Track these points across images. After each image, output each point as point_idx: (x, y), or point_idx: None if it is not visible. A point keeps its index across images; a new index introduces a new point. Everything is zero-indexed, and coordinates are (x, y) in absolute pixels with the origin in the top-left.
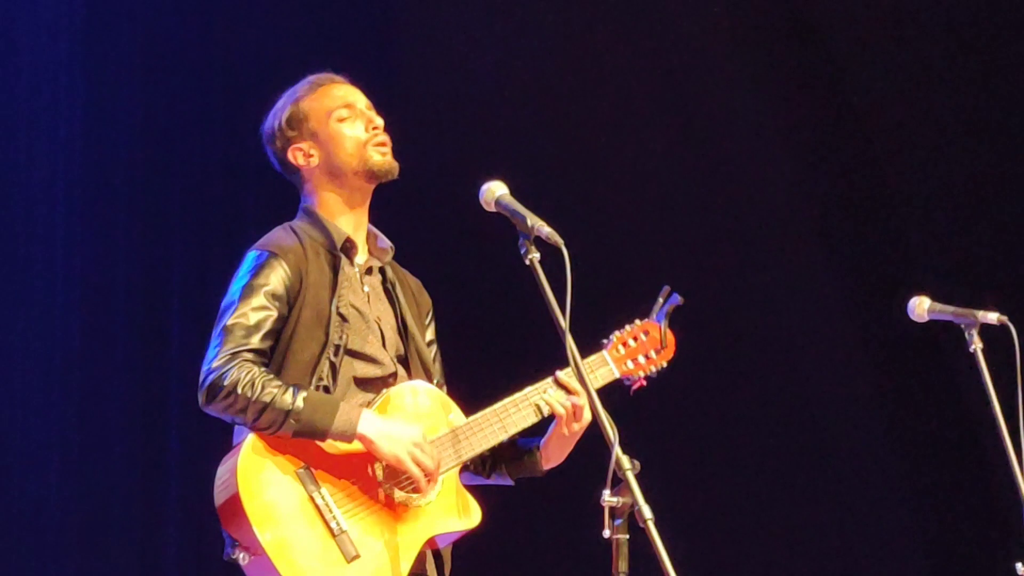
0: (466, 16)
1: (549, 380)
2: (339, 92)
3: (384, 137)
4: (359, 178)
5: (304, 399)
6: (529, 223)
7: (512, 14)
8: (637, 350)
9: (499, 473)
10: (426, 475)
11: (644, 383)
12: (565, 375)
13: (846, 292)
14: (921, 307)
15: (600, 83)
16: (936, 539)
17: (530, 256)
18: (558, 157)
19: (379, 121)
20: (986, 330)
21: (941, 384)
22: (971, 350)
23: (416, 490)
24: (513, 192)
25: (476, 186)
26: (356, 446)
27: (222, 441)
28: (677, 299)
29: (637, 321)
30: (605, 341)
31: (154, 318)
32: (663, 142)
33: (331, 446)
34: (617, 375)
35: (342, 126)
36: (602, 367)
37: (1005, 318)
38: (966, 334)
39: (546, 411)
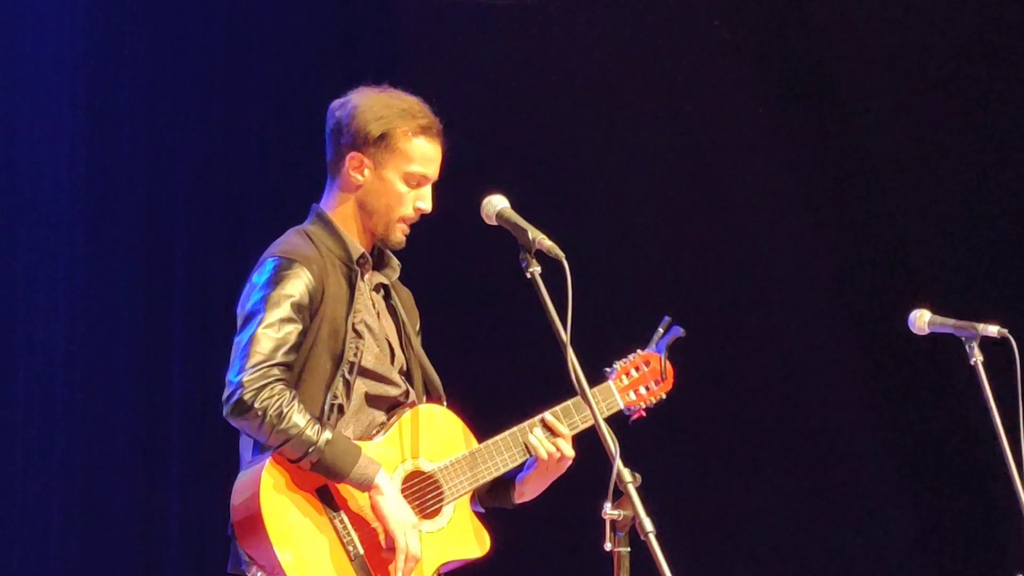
0: (470, 30)
1: (537, 419)
2: (433, 157)
3: (415, 219)
4: (373, 231)
5: (327, 442)
6: (530, 236)
7: (513, 27)
8: (639, 381)
9: (472, 501)
10: (407, 559)
11: (643, 414)
12: (552, 416)
13: (847, 305)
14: (922, 320)
15: (600, 96)
16: (938, 550)
17: (531, 269)
18: (558, 169)
19: (427, 208)
20: (987, 343)
21: (942, 397)
22: (972, 363)
23: (430, 516)
24: (514, 205)
25: (478, 199)
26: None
27: (223, 440)
28: (678, 331)
29: (638, 351)
30: (608, 370)
31: (156, 317)
32: (663, 155)
33: None
34: (621, 406)
35: (403, 190)
36: (608, 398)
37: (1006, 331)
38: (967, 347)
39: (531, 452)
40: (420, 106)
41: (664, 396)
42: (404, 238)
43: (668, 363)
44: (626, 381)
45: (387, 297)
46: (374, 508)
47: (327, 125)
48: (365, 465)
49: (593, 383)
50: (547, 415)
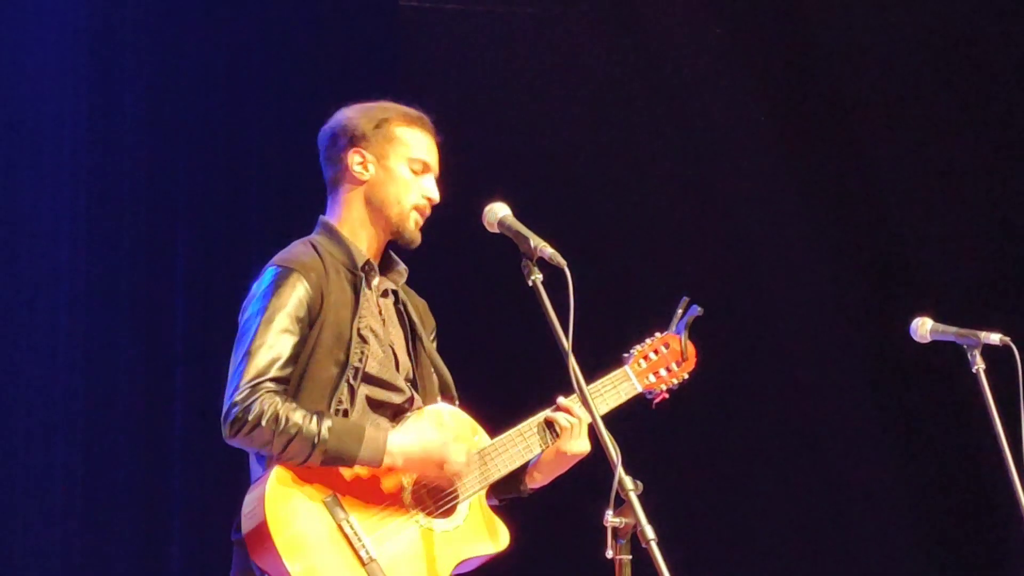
0: (473, 38)
1: (551, 408)
2: (430, 147)
3: (428, 213)
4: (386, 225)
5: (329, 428)
6: (532, 244)
7: (515, 35)
8: (658, 363)
9: (487, 495)
10: (459, 474)
11: (666, 396)
12: (565, 400)
13: (849, 312)
14: (924, 328)
15: (602, 104)
16: (939, 557)
17: (533, 277)
18: (560, 176)
19: (436, 197)
20: (989, 351)
21: (944, 405)
22: (974, 371)
23: (445, 514)
24: (516, 213)
25: (479, 207)
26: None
27: (225, 447)
28: (696, 310)
29: (657, 334)
30: (626, 355)
31: (158, 322)
32: (666, 163)
33: (358, 471)
34: (640, 389)
35: (410, 176)
36: (624, 382)
37: (1008, 339)
38: (969, 355)
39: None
40: (410, 108)
41: (687, 376)
42: (418, 231)
43: (689, 343)
44: (644, 365)
45: (396, 302)
46: (401, 471)
47: (321, 147)
48: (373, 438)
49: (611, 368)
50: (561, 399)
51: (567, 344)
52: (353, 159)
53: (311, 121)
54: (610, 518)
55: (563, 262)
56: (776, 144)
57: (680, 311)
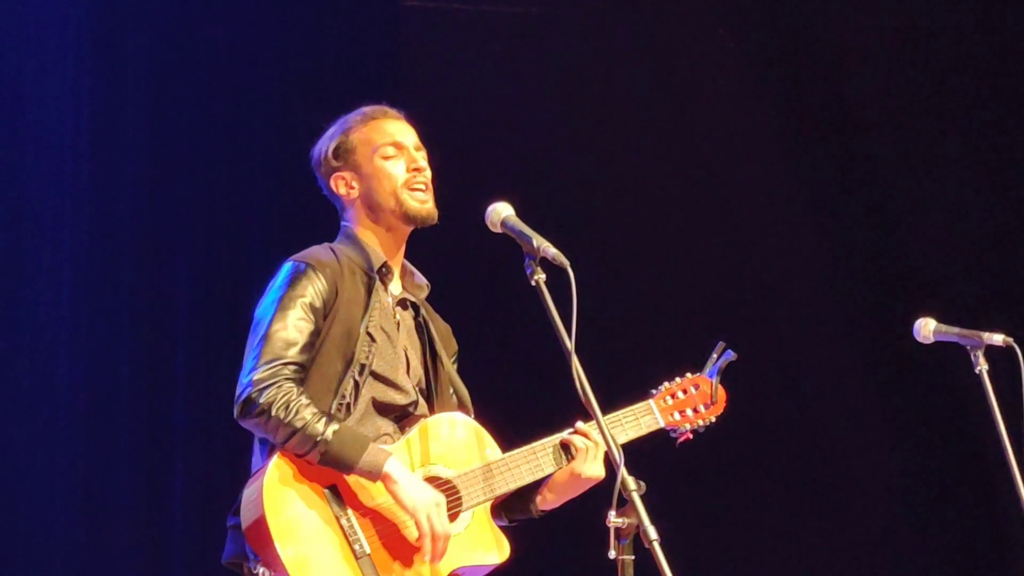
0: (475, 38)
1: (568, 431)
2: (390, 128)
3: (423, 180)
4: (395, 218)
5: (335, 432)
6: (535, 244)
7: (518, 35)
8: (685, 403)
9: (495, 515)
10: (434, 539)
11: (690, 436)
12: (583, 425)
13: (852, 313)
14: (927, 328)
15: (605, 104)
16: (942, 561)
17: (536, 277)
18: (562, 177)
19: (422, 163)
20: (992, 351)
21: (947, 406)
22: (977, 371)
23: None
24: (519, 213)
25: (482, 207)
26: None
27: (227, 448)
28: (731, 355)
29: (688, 374)
30: (654, 391)
31: (160, 322)
32: (668, 164)
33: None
34: (662, 424)
35: (385, 164)
36: (647, 415)
37: (1011, 340)
38: (972, 356)
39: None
40: (364, 107)
41: (713, 420)
42: (425, 206)
43: (720, 387)
44: (670, 401)
45: (416, 316)
46: (392, 497)
47: (321, 185)
48: (375, 453)
49: (637, 401)
50: (580, 424)
51: (570, 345)
52: (338, 186)
53: (313, 120)
54: (612, 518)
55: (566, 262)
56: (779, 145)
57: (715, 355)
